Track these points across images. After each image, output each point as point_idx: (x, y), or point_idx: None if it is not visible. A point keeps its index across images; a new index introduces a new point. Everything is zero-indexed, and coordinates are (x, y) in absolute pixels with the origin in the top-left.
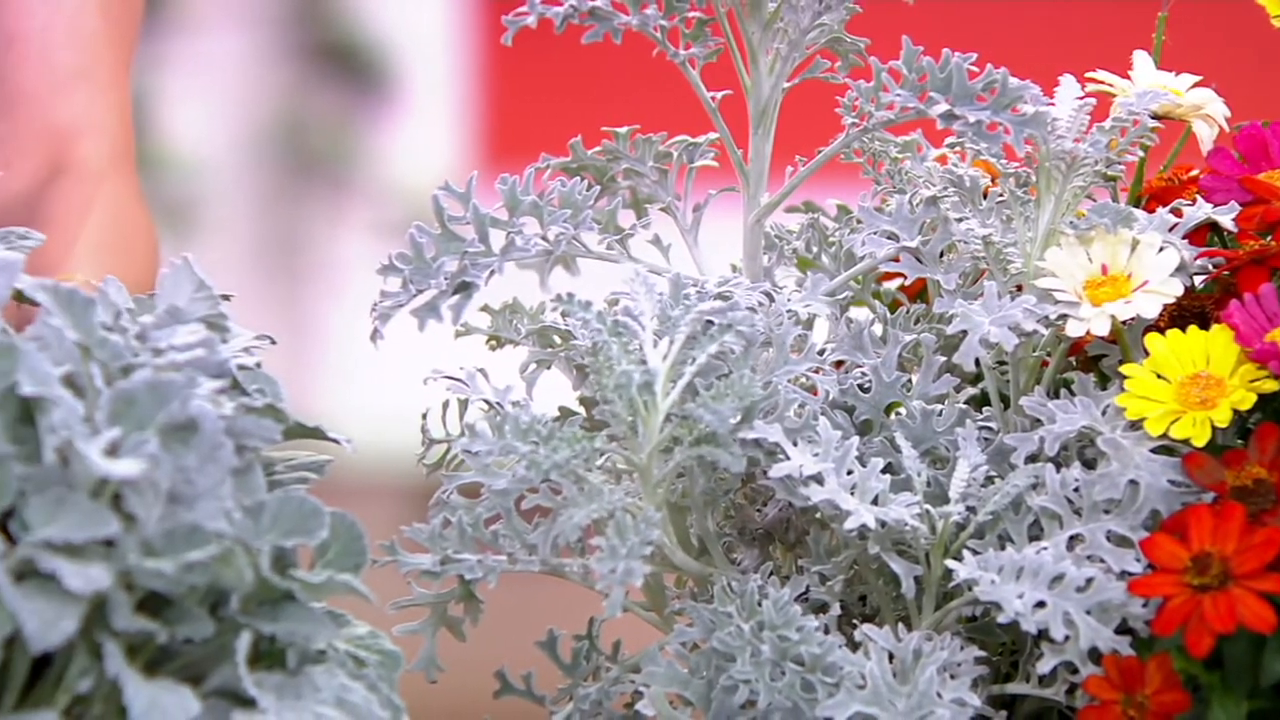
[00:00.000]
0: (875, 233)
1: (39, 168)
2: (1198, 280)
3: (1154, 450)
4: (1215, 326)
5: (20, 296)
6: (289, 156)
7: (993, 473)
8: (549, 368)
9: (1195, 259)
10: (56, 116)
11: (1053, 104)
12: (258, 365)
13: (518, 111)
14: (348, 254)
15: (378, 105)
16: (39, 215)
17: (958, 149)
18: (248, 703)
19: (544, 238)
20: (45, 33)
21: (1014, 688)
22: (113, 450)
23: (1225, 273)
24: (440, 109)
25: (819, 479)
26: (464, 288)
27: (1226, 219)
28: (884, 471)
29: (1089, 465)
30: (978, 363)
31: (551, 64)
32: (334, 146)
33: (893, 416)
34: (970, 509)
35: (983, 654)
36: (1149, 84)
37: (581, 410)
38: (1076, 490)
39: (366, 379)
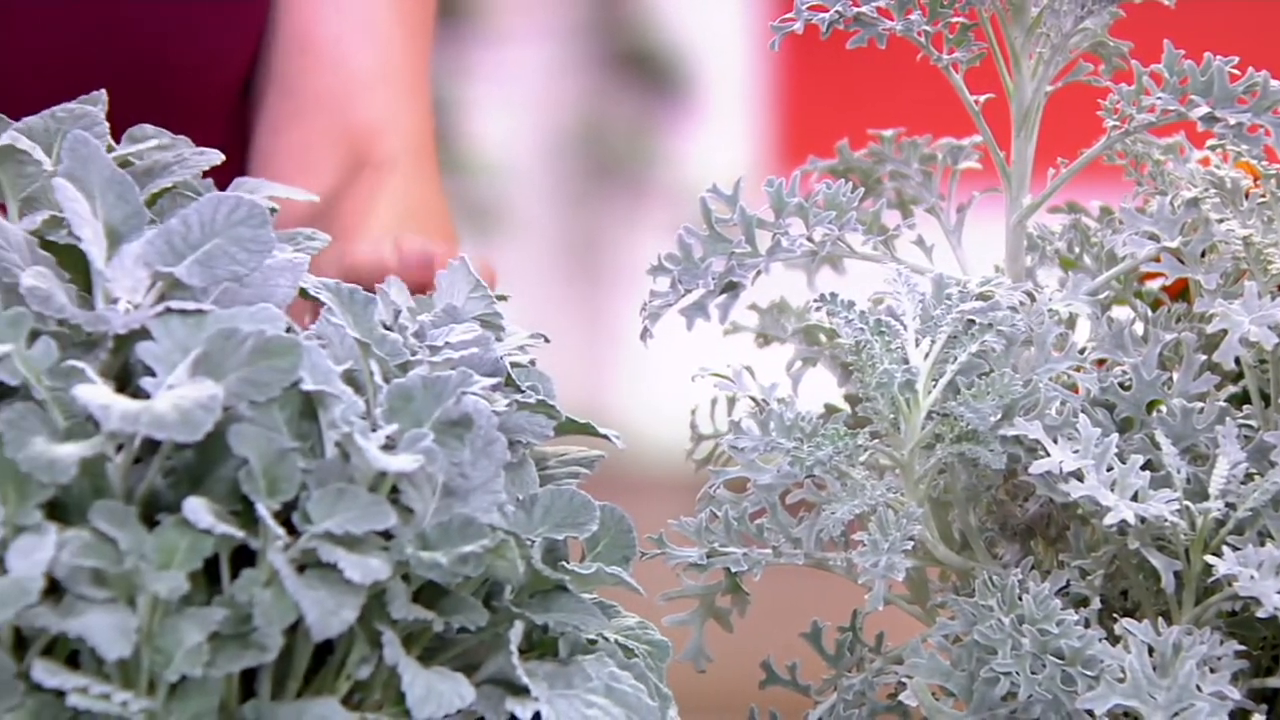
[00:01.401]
0: (1137, 233)
1: (339, 169)
2: None
3: None
4: None
5: (305, 294)
6: (589, 160)
7: (1252, 470)
8: (814, 365)
9: None
10: (355, 119)
11: None
12: (531, 363)
13: (812, 113)
14: (645, 255)
15: (675, 109)
16: (337, 211)
17: (1219, 151)
18: (520, 690)
19: (809, 238)
20: (339, 39)
21: (1275, 682)
22: (390, 445)
23: None
24: (736, 112)
25: (1079, 475)
26: (730, 287)
27: None
28: (1144, 468)
29: None
30: (1238, 361)
31: (846, 66)
32: (633, 150)
33: (1153, 414)
34: (1230, 505)
35: (1242, 648)
36: None
37: (846, 407)
38: None
39: (663, 377)
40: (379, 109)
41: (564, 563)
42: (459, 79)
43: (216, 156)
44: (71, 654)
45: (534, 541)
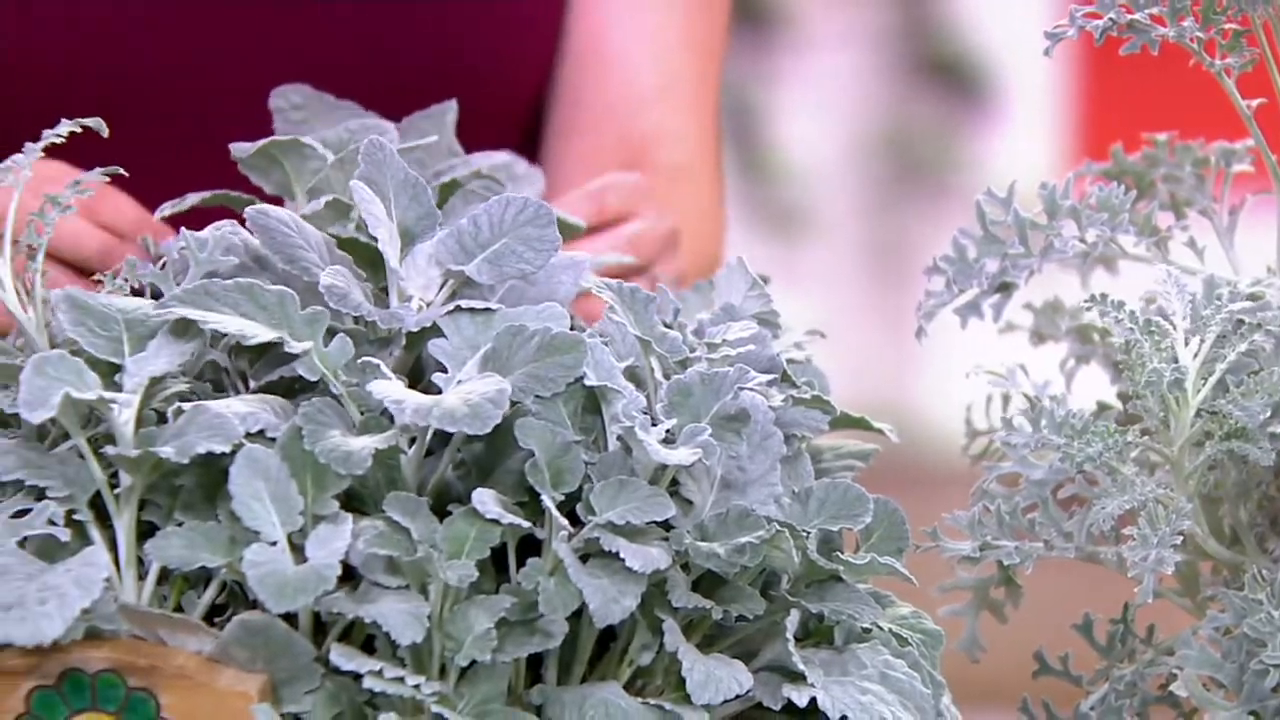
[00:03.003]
0: None
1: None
2: None
3: None
4: None
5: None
6: (894, 164)
7: None
8: (1087, 363)
9: None
10: (636, 129)
11: None
12: (807, 359)
13: (1113, 116)
14: None
15: (979, 113)
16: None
17: None
18: (796, 677)
19: (1081, 239)
20: (627, 51)
21: None
22: (670, 439)
23: None
24: (1039, 116)
25: None
26: (1004, 287)
27: None
28: None
29: None
30: None
31: (1147, 69)
32: (937, 154)
33: None
34: None
35: None
36: None
37: (1118, 405)
38: None
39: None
40: (659, 120)
41: (839, 553)
42: (766, 85)
43: (503, 157)
44: (367, 639)
45: (809, 533)
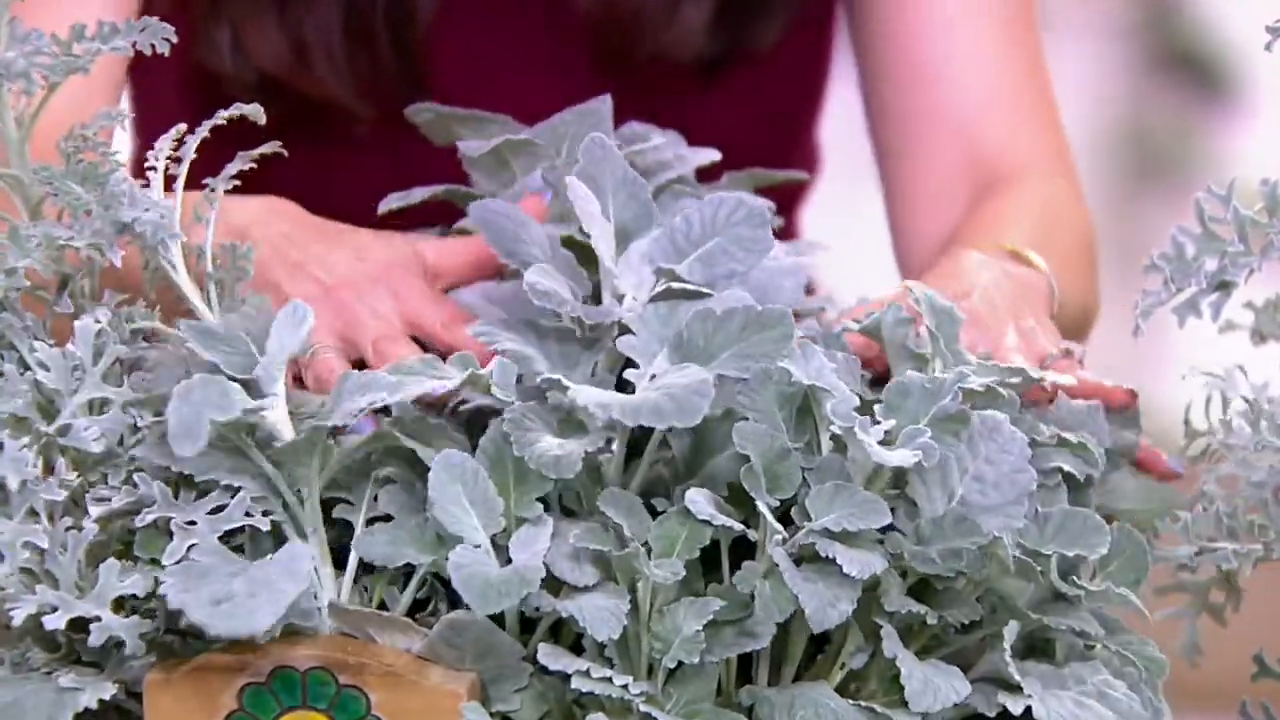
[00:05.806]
0: None
1: (968, 197)
2: None
3: None
4: None
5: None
6: (1135, 159)
7: None
8: None
9: None
10: (978, 142)
11: None
12: None
13: None
14: None
15: (1222, 109)
16: (960, 232)
17: None
18: (1013, 688)
19: None
20: (948, 59)
21: None
22: (888, 440)
23: None
24: None
25: None
26: (1223, 286)
27: None
28: None
29: None
30: None
31: None
32: (1178, 150)
33: None
34: None
35: None
36: None
37: None
38: None
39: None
40: (1000, 129)
41: (1074, 579)
42: None
43: (712, 154)
44: (575, 639)
45: (1050, 555)
